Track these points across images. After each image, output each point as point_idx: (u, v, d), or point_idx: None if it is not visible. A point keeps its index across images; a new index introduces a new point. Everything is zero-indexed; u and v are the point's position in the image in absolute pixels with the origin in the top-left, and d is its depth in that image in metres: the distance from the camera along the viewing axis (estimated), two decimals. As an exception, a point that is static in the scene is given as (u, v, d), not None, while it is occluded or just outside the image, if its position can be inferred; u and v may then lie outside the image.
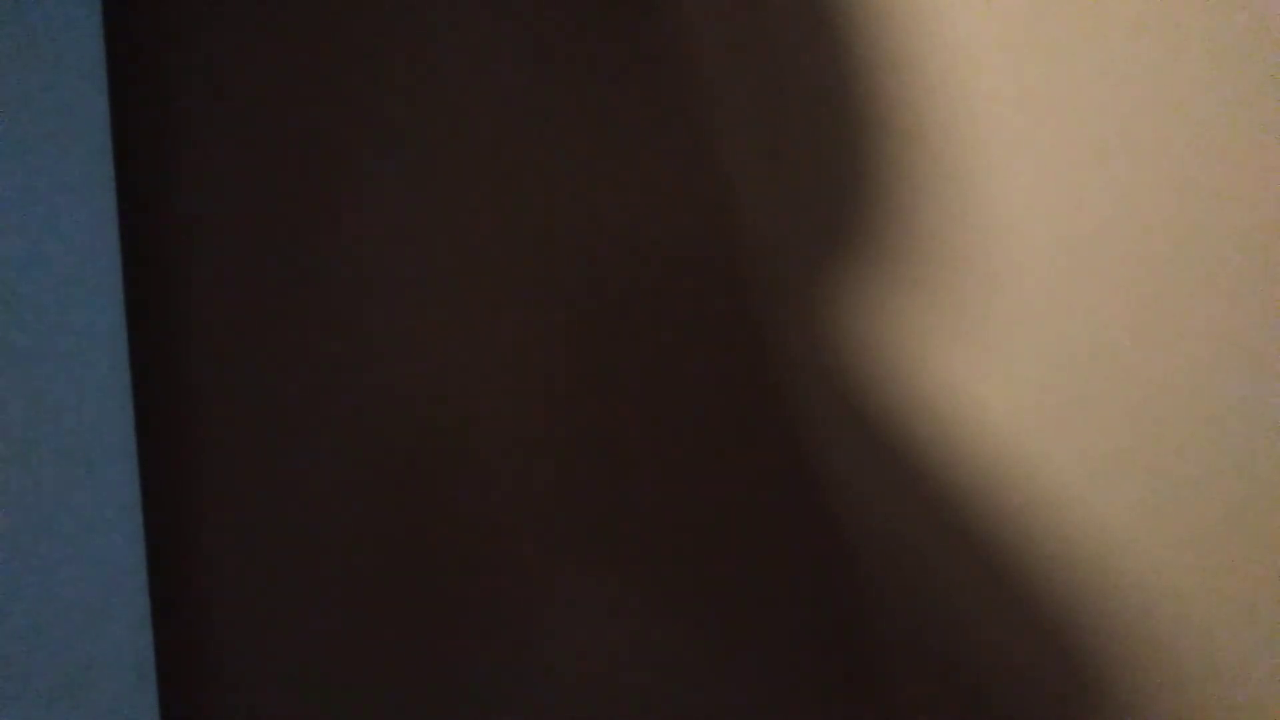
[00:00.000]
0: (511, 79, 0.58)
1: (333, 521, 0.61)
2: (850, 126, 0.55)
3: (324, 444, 0.61)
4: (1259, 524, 0.52)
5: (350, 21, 0.60)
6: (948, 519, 0.55)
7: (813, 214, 0.56)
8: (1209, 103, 0.52)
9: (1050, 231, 0.53)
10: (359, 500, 0.61)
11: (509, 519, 0.59)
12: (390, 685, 0.61)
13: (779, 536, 0.57)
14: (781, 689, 0.57)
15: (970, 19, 0.54)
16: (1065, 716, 0.54)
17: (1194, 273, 0.52)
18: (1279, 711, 0.53)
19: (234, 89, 0.61)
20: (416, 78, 0.59)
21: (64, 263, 0.59)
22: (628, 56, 0.57)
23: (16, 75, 0.57)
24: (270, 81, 0.61)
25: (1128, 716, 0.54)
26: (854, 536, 0.56)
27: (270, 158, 0.61)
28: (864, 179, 0.55)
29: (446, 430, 0.60)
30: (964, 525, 0.55)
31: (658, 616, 0.58)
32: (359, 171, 0.60)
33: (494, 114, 0.58)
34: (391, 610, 0.61)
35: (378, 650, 0.61)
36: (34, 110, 0.58)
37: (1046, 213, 0.53)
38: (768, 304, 0.56)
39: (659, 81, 0.57)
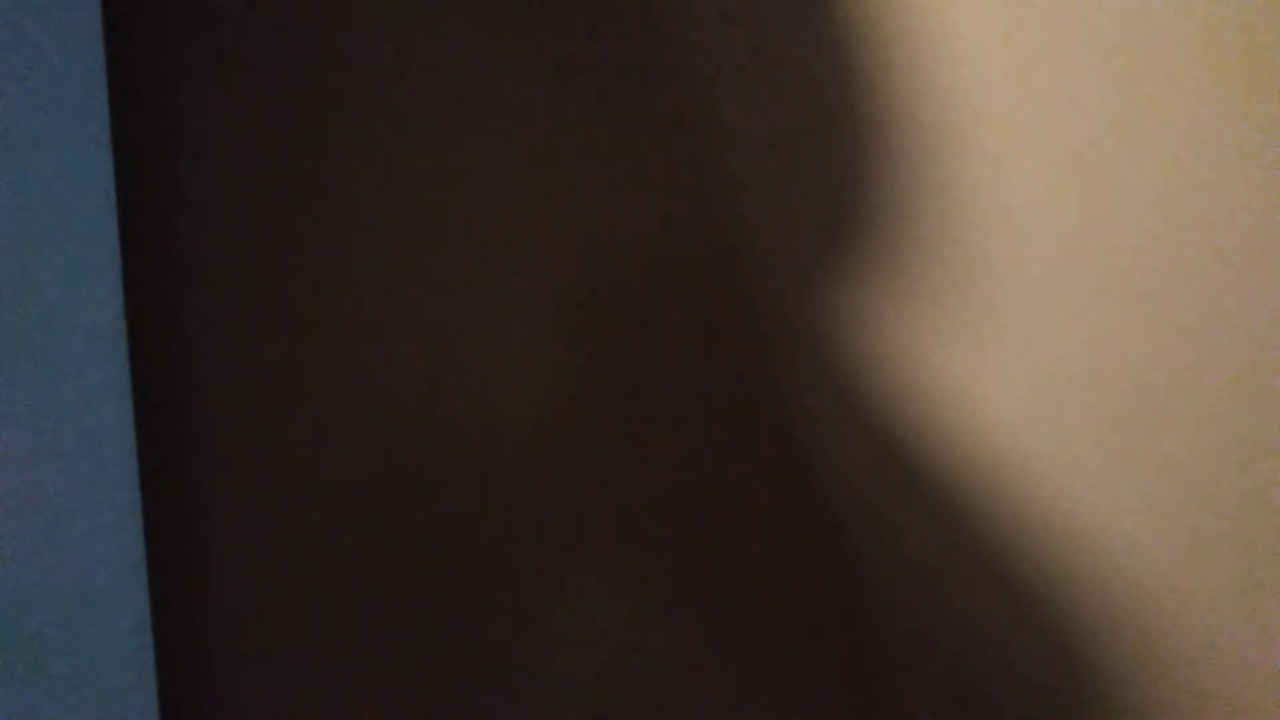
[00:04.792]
0: (515, 80, 0.58)
1: (334, 522, 0.61)
2: (851, 127, 0.55)
3: (325, 444, 0.61)
4: (1261, 523, 0.52)
5: (352, 21, 0.60)
6: (948, 517, 0.55)
7: (814, 214, 0.56)
8: (1210, 103, 0.52)
9: (1051, 232, 0.53)
10: (361, 501, 0.61)
11: (511, 521, 0.59)
12: (391, 685, 0.61)
13: (779, 536, 0.57)
14: (781, 687, 0.57)
15: (972, 21, 0.54)
16: (1065, 716, 0.54)
17: (1195, 272, 0.52)
18: (1279, 712, 0.53)
19: (235, 89, 0.61)
20: (419, 78, 0.59)
21: (64, 263, 0.59)
22: (632, 57, 0.57)
23: (16, 75, 0.57)
24: (271, 81, 0.61)
25: (1128, 716, 0.54)
26: (855, 536, 0.56)
27: (271, 157, 0.61)
28: (865, 180, 0.55)
29: (448, 431, 0.60)
30: (964, 523, 0.55)
31: (657, 615, 0.58)
32: (360, 171, 0.60)
33: (497, 114, 0.58)
34: (393, 610, 0.61)
35: (379, 650, 0.61)
36: (34, 110, 0.58)
37: (1047, 213, 0.53)
38: (769, 304, 0.56)
39: (663, 82, 0.57)
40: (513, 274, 0.59)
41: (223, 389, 0.62)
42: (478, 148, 0.59)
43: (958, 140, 0.54)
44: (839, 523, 0.56)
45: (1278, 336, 0.52)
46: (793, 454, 0.56)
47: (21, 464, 0.57)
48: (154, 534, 0.63)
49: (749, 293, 0.56)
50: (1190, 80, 0.52)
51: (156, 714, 0.62)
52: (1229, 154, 0.52)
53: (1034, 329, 0.54)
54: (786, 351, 0.56)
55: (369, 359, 0.60)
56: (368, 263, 0.60)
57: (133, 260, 0.63)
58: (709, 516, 0.57)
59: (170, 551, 0.63)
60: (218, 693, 0.63)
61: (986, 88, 0.54)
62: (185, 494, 0.63)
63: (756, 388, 0.56)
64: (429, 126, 0.59)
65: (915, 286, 0.55)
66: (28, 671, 0.57)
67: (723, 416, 0.57)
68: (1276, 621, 0.52)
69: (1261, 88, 0.51)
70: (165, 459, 0.63)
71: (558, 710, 0.59)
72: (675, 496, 0.58)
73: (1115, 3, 0.52)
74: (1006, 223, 0.54)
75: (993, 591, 0.55)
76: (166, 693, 0.63)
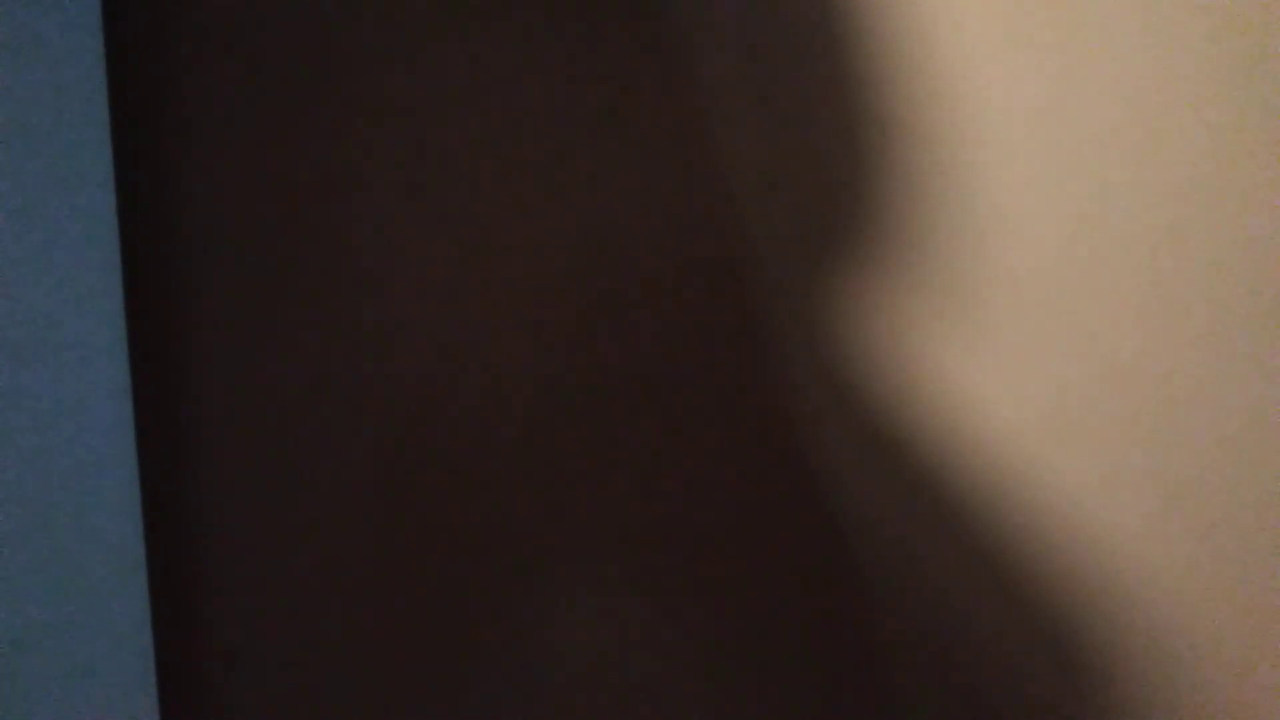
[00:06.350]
0: (513, 80, 0.58)
1: (334, 522, 0.61)
2: (853, 127, 0.55)
3: (325, 445, 0.61)
4: (1263, 527, 0.52)
5: (352, 21, 0.60)
6: (950, 521, 0.55)
7: (815, 215, 0.56)
8: (1213, 104, 0.52)
9: (1054, 233, 0.53)
10: (360, 501, 0.61)
11: (511, 521, 0.59)
12: (391, 685, 0.61)
13: (780, 538, 0.57)
14: (781, 689, 0.57)
15: (973, 20, 0.54)
16: (1065, 715, 0.54)
17: (1198, 274, 0.52)
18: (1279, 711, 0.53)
19: (236, 88, 0.61)
20: (418, 77, 0.59)
21: (64, 263, 0.59)
22: (630, 57, 0.57)
23: (16, 75, 0.57)
24: (273, 81, 0.61)
25: (1130, 717, 0.54)
26: (856, 539, 0.56)
27: (271, 157, 0.61)
28: (867, 180, 0.55)
29: (447, 431, 0.60)
30: (966, 527, 0.55)
31: (656, 616, 0.58)
32: (360, 171, 0.60)
33: (495, 113, 0.58)
34: (393, 610, 0.61)
35: (378, 650, 0.61)
36: (34, 110, 0.58)
37: (1050, 215, 0.53)
38: (770, 306, 0.56)
39: (661, 80, 0.57)
40: (514, 274, 0.59)
41: (223, 389, 0.62)
42: (480, 149, 0.59)
43: (962, 143, 0.54)
44: (841, 525, 0.56)
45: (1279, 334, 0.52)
46: (796, 456, 0.56)
47: (21, 464, 0.57)
48: (154, 534, 0.63)
49: (752, 295, 0.56)
50: (1195, 80, 0.52)
51: (156, 714, 0.62)
52: (1234, 155, 0.52)
53: (1037, 331, 0.54)
54: (790, 354, 0.56)
55: (369, 359, 0.60)
56: (368, 263, 0.60)
57: (133, 260, 0.63)
58: (710, 517, 0.57)
59: (170, 551, 0.63)
60: (218, 693, 0.63)
61: (991, 89, 0.54)
62: (185, 494, 0.63)
63: (759, 390, 0.56)
64: (431, 129, 0.59)
65: (919, 289, 0.55)
66: (28, 671, 0.57)
67: (725, 418, 0.57)
68: (1276, 619, 0.52)
69: (1267, 87, 0.51)
70: (165, 459, 0.63)
71: (557, 711, 0.59)
72: (676, 498, 0.58)
73: (1117, 2, 0.52)
74: (1010, 225, 0.54)
75: (996, 593, 0.55)
76: (166, 693, 0.63)
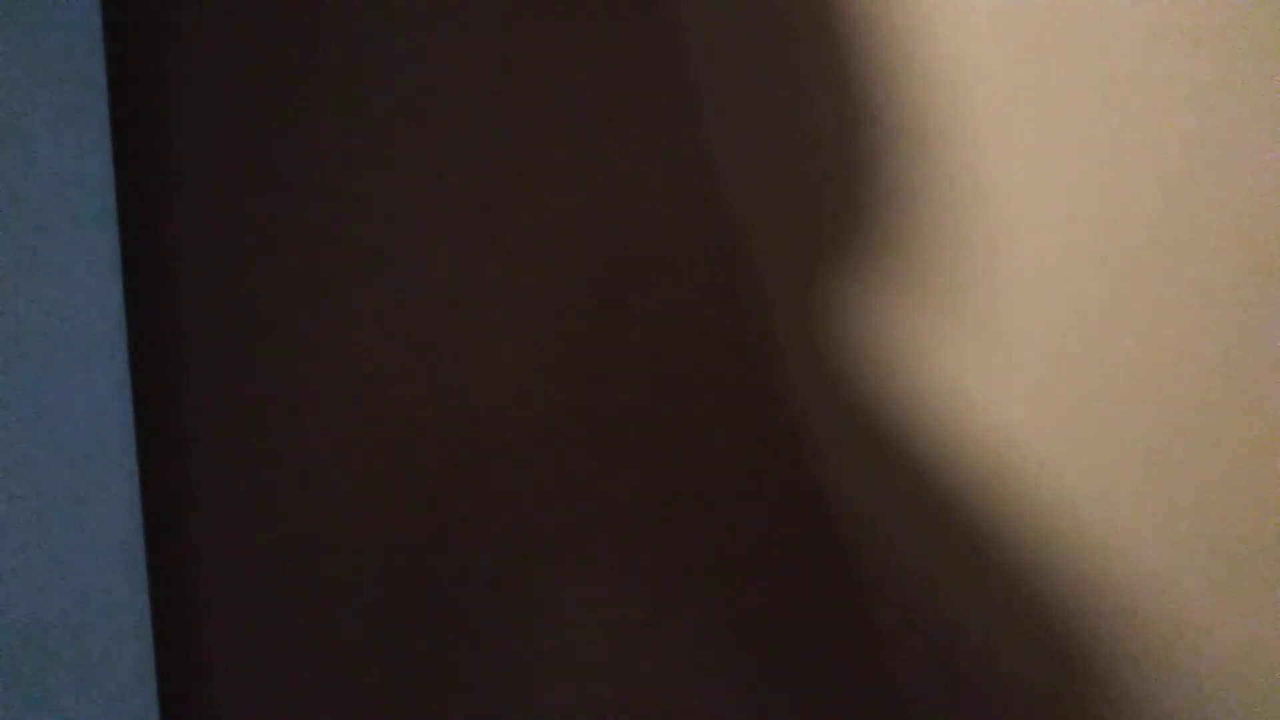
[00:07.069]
0: (512, 79, 0.58)
1: (333, 522, 0.61)
2: (852, 128, 0.55)
3: (325, 445, 0.61)
4: (1259, 522, 0.52)
5: (351, 21, 0.60)
6: (948, 520, 0.55)
7: (814, 216, 0.56)
8: (1210, 104, 0.52)
9: (1052, 234, 0.54)
10: (360, 500, 0.61)
11: (510, 521, 0.59)
12: (390, 685, 0.61)
13: (779, 537, 0.57)
14: (778, 686, 0.57)
15: (971, 22, 0.54)
16: (1063, 715, 0.54)
17: (1198, 274, 0.52)
18: (1278, 712, 0.53)
19: (236, 88, 0.61)
20: (417, 76, 0.59)
21: (64, 263, 0.59)
22: (629, 57, 0.57)
23: (16, 75, 0.57)
24: (272, 81, 0.61)
25: (1125, 714, 0.54)
26: (854, 537, 0.56)
27: (271, 157, 0.61)
28: (865, 181, 0.55)
29: (446, 431, 0.60)
30: (964, 526, 0.55)
31: (655, 615, 0.58)
32: (360, 170, 0.60)
33: (494, 113, 0.58)
34: (392, 610, 0.61)
35: (378, 650, 0.61)
36: (33, 109, 0.58)
37: (1049, 215, 0.54)
38: (769, 305, 0.56)
39: (660, 81, 0.57)
40: (510, 276, 0.59)
41: (223, 389, 0.62)
42: (478, 149, 0.59)
43: (958, 140, 0.54)
44: (839, 523, 0.56)
45: (1278, 335, 0.52)
46: (795, 456, 0.56)
47: (21, 464, 0.57)
48: (154, 534, 0.63)
49: (749, 294, 0.56)
50: (1191, 77, 0.52)
51: (157, 714, 0.62)
52: (1229, 151, 0.52)
53: (1033, 329, 0.54)
54: (788, 353, 0.56)
55: (370, 359, 0.60)
56: (368, 263, 0.60)
57: (133, 260, 0.63)
58: (708, 516, 0.57)
59: (170, 551, 0.63)
60: (218, 693, 0.63)
61: (987, 86, 0.54)
62: (185, 494, 0.63)
63: (757, 389, 0.56)
64: (430, 127, 0.59)
65: (915, 287, 0.55)
66: (28, 671, 0.57)
67: (724, 419, 0.57)
68: (1274, 620, 0.52)
69: (1261, 84, 0.51)
70: (165, 459, 0.63)
71: (556, 711, 0.59)
72: (673, 497, 0.58)
73: (1116, 4, 0.53)
74: (1006, 223, 0.54)
75: (995, 592, 0.55)
76: (166, 693, 0.63)
